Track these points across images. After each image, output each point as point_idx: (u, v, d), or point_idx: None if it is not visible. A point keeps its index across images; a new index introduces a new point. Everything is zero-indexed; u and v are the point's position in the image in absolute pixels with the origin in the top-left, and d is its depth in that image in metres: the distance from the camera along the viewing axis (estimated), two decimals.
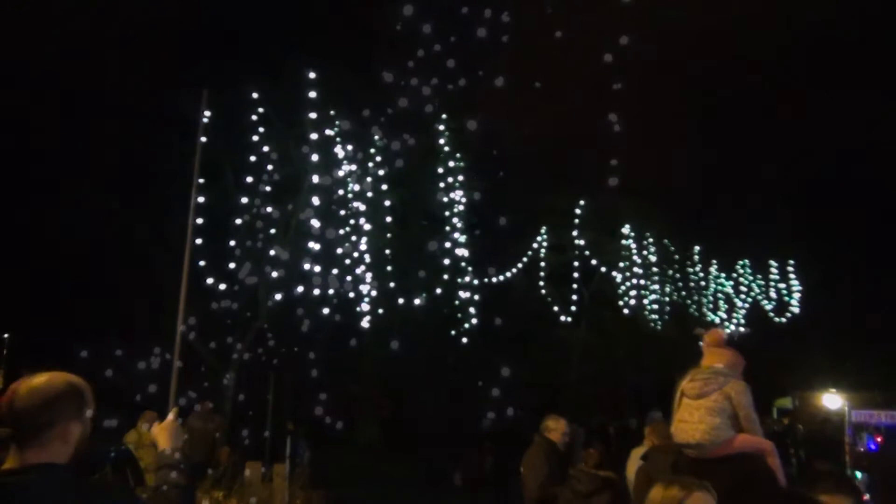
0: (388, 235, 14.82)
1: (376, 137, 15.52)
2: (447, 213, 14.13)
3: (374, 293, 14.31)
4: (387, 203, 14.98)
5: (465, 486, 14.48)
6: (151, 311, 16.68)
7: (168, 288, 15.33)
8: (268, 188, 16.24)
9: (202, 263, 14.54)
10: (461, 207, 14.20)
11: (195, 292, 15.61)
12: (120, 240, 18.13)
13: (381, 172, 15.24)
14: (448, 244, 14.01)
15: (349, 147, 15.97)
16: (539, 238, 14.34)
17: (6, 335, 23.21)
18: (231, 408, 15.41)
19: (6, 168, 20.19)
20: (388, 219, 14.94)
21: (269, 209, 16.05)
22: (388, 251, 14.67)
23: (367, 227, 14.75)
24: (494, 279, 13.96)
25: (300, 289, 14.99)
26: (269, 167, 16.36)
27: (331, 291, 14.65)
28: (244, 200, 16.05)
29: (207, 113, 12.57)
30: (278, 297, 15.55)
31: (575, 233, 14.42)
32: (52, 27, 19.18)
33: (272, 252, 15.51)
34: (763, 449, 7.33)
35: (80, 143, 18.85)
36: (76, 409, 3.28)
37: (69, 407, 3.26)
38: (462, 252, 13.88)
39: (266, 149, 16.12)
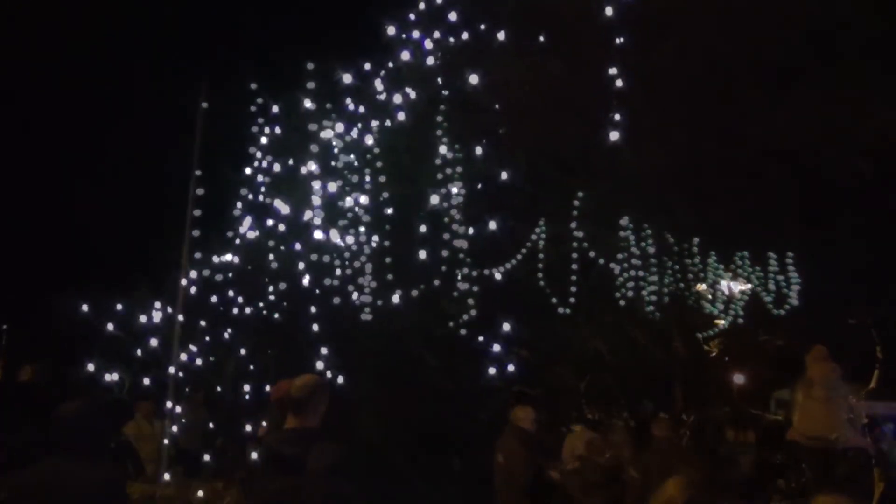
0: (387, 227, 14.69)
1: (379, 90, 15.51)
2: (445, 205, 13.95)
3: (373, 284, 14.21)
4: (385, 195, 14.83)
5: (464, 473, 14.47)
6: (153, 264, 16.67)
7: (170, 243, 15.36)
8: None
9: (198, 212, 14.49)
10: (461, 199, 14.02)
11: (196, 247, 15.66)
12: (119, 197, 18.11)
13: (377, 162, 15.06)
14: (447, 235, 13.86)
15: (349, 101, 15.92)
16: (537, 230, 14.15)
17: (4, 326, 23.20)
18: (234, 367, 15.43)
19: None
20: (389, 210, 14.82)
21: (274, 165, 16.14)
22: (386, 242, 14.54)
23: (367, 218, 14.64)
24: (494, 270, 13.77)
25: (299, 245, 15.04)
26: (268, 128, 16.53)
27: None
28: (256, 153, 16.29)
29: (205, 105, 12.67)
30: (279, 249, 15.58)
31: (573, 224, 14.19)
32: (49, 16, 19.16)
33: (275, 204, 15.52)
34: (868, 443, 9.05)
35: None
36: (324, 396, 6.27)
37: (322, 395, 6.24)
38: (461, 244, 13.73)
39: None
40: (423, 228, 14.01)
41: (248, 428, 13.45)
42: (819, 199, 12.60)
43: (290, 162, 15.94)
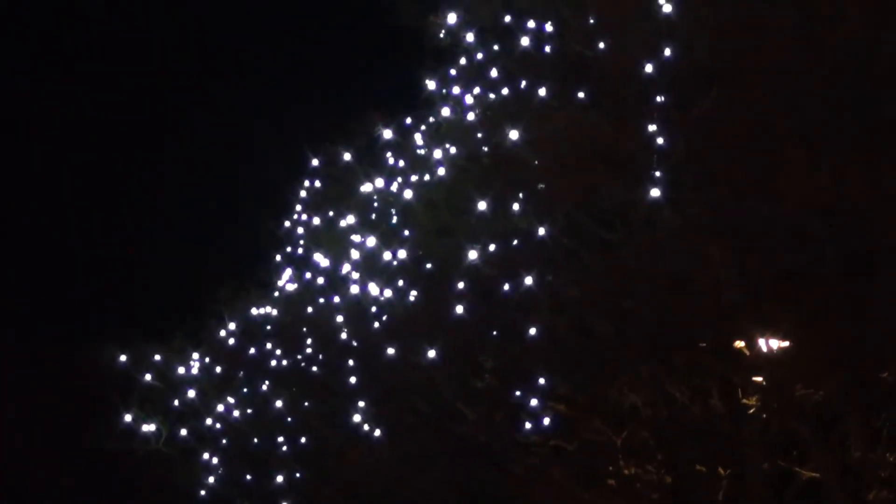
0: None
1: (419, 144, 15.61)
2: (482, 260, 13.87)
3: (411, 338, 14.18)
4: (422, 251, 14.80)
5: None
6: (190, 316, 16.81)
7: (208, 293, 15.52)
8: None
9: None
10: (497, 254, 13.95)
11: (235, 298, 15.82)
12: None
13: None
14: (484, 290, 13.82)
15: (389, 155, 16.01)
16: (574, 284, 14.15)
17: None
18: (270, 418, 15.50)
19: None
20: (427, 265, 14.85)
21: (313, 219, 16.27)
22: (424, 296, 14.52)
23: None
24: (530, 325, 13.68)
25: (337, 298, 15.12)
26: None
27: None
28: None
29: None
30: (318, 302, 15.65)
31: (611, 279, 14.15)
32: None
33: (314, 258, 15.64)
34: None
35: None
36: None
37: None
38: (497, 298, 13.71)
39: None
40: (461, 284, 14.01)
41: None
42: (859, 257, 12.56)
43: (330, 214, 16.06)
